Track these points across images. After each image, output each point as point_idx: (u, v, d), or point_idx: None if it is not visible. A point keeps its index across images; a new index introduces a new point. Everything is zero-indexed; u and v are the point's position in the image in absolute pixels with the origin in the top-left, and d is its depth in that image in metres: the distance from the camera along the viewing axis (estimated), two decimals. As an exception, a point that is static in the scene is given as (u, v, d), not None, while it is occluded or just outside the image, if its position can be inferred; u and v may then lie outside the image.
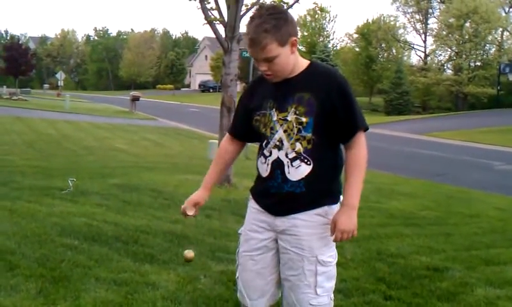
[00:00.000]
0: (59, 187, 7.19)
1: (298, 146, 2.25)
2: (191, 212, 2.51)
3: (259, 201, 2.42)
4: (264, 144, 2.34)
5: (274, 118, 2.28)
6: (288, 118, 2.25)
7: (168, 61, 76.07)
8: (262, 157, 2.35)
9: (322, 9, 9.03)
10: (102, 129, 20.95)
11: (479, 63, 50.57)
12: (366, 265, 4.51)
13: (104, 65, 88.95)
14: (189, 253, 2.78)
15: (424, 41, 57.75)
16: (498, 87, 48.08)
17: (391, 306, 3.62)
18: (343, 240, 2.26)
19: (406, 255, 4.92)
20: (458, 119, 35.84)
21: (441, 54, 54.96)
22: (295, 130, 2.24)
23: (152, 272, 3.98)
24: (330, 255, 2.35)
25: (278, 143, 2.28)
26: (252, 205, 2.47)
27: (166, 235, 5.05)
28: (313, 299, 2.32)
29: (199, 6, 7.29)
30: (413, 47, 59.38)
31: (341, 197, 2.37)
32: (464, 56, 49.49)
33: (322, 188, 2.29)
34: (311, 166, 2.26)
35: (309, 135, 2.24)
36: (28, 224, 5.10)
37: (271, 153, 2.30)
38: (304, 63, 2.32)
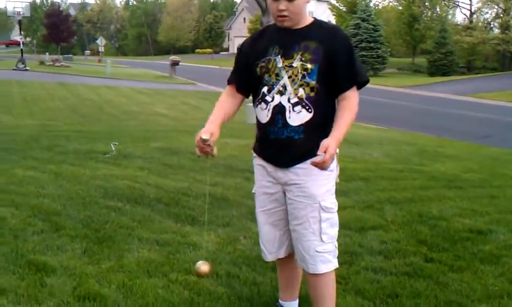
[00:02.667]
0: (102, 150, 7.35)
1: (301, 92, 2.31)
2: (206, 136, 2.34)
3: (260, 153, 2.50)
4: (266, 90, 2.37)
5: (280, 64, 2.34)
6: (294, 64, 2.31)
7: (206, 25, 75.88)
8: (262, 102, 2.39)
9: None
10: (142, 94, 21.20)
11: (527, 20, 48.46)
12: (407, 228, 4.46)
13: (143, 30, 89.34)
14: (203, 266, 2.46)
15: (470, -1, 55.55)
16: (549, 45, 46.03)
17: (432, 269, 3.57)
18: (325, 162, 2.17)
19: (448, 218, 4.83)
20: (505, 79, 34.61)
21: (487, 12, 53.01)
22: (299, 76, 2.31)
23: (193, 233, 4.04)
24: (332, 202, 2.42)
25: (281, 89, 2.33)
26: (256, 162, 2.55)
27: (206, 197, 5.10)
28: (319, 246, 2.41)
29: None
30: (458, 5, 57.43)
31: (337, 149, 2.40)
32: (511, 13, 47.51)
33: (319, 136, 2.29)
34: (311, 114, 2.33)
35: (313, 82, 2.31)
36: (73, 186, 5.24)
37: (273, 98, 2.35)
38: (309, 19, 2.40)
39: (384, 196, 5.56)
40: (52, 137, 8.67)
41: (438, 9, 55.79)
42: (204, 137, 2.32)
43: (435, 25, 51.36)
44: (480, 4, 52.85)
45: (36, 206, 4.47)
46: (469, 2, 56.04)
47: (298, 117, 2.32)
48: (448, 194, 5.87)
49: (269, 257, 2.62)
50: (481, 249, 4.01)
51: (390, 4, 58.15)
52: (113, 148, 7.30)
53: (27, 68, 32.67)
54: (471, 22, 53.34)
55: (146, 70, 40.98)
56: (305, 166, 2.36)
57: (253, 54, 2.43)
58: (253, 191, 2.63)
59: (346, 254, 3.70)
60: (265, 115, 2.38)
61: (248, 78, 2.46)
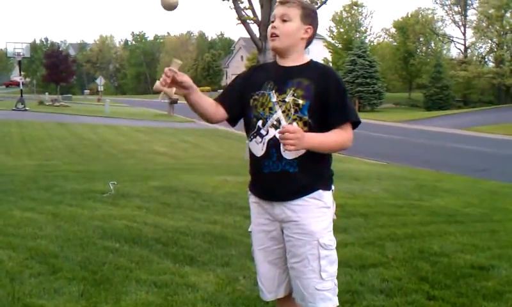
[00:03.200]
0: (100, 190, 7.32)
1: (294, 126, 2.32)
2: (175, 68, 2.35)
3: (255, 190, 2.50)
4: (260, 123, 2.40)
5: (274, 99, 2.38)
6: (287, 99, 2.36)
7: (204, 63, 76.77)
8: (257, 136, 2.41)
9: (357, 4, 8.90)
10: (141, 132, 21.27)
11: (521, 54, 49.08)
12: (408, 265, 4.41)
13: (142, 69, 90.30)
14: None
15: (464, 34, 56.71)
16: (543, 79, 46.52)
17: (434, 306, 3.52)
18: (285, 138, 2.17)
19: (450, 253, 4.78)
20: (501, 112, 34.85)
21: (481, 46, 53.87)
22: (292, 111, 2.34)
23: (192, 274, 3.99)
24: (330, 239, 2.41)
25: (275, 123, 2.36)
26: (252, 200, 2.54)
27: (205, 236, 5.06)
28: (318, 284, 2.38)
29: (232, 5, 7.30)
30: (452, 40, 58.25)
31: (333, 186, 2.46)
32: (505, 47, 48.19)
33: (314, 171, 2.36)
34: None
35: (305, 117, 2.33)
36: (70, 227, 5.20)
37: (267, 131, 2.38)
38: (306, 59, 2.46)
39: (384, 232, 5.52)
40: (50, 178, 8.65)
41: (432, 45, 56.64)
42: (174, 63, 2.39)
43: (430, 60, 52.09)
44: (474, 39, 53.79)
45: (33, 248, 4.42)
46: (463, 37, 56.62)
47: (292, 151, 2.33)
48: (448, 229, 5.83)
49: (268, 296, 2.57)
50: (484, 285, 3.96)
51: (385, 40, 58.97)
52: (111, 188, 7.27)
53: (27, 108, 32.86)
54: (465, 56, 54.07)
55: (145, 109, 41.22)
56: (302, 203, 2.36)
57: (248, 85, 2.49)
58: (249, 230, 2.60)
59: (347, 293, 3.64)
60: (260, 149, 2.39)
61: (237, 102, 2.50)
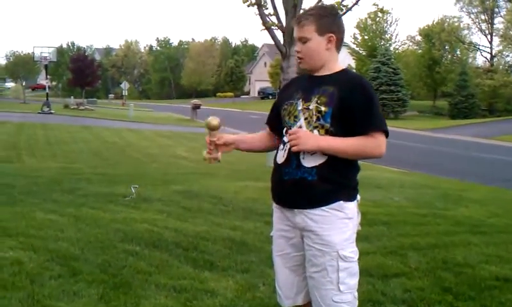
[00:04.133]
0: (122, 193, 7.37)
1: (315, 134, 2.32)
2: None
3: (276, 196, 2.49)
4: (284, 131, 2.44)
5: (299, 107, 2.39)
6: (310, 107, 2.34)
7: (227, 69, 76.94)
8: (281, 144, 2.46)
9: (382, 11, 8.84)
10: (164, 137, 21.41)
11: (549, 63, 48.19)
12: (431, 275, 4.32)
13: (166, 74, 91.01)
14: (214, 121, 2.66)
15: (490, 42, 55.60)
16: None
17: (459, 319, 3.44)
18: (290, 140, 2.28)
19: (474, 264, 4.68)
20: (528, 121, 34.22)
21: (508, 55, 52.82)
22: (314, 118, 2.33)
23: (211, 279, 3.97)
24: (351, 251, 2.36)
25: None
26: (274, 205, 2.54)
27: (225, 242, 5.04)
28: (336, 296, 2.34)
29: (257, 12, 7.30)
30: (478, 48, 57.35)
31: (358, 196, 2.42)
32: (533, 56, 47.31)
33: (334, 181, 2.33)
34: (325, 157, 2.31)
35: (327, 125, 2.32)
36: (92, 230, 5.23)
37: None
38: (338, 67, 2.43)
39: (407, 241, 5.44)
40: (74, 180, 8.74)
41: (458, 53, 55.88)
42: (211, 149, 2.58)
43: (456, 68, 51.36)
44: (501, 47, 52.88)
45: (54, 251, 4.45)
46: (489, 46, 55.79)
47: (312, 158, 2.32)
48: (473, 239, 5.71)
49: (286, 303, 2.54)
50: (509, 298, 3.86)
51: (410, 48, 58.41)
52: (133, 191, 7.31)
53: (52, 111, 33.37)
54: (492, 65, 53.22)
55: (168, 113, 41.51)
56: (322, 213, 2.33)
57: (283, 98, 2.54)
58: (271, 234, 2.60)
59: (369, 303, 3.59)
60: (281, 155, 2.42)
61: (277, 119, 2.56)
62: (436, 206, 7.91)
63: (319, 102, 2.32)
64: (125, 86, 52.23)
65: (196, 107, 34.07)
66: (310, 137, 2.27)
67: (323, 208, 2.33)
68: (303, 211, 2.36)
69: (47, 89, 40.66)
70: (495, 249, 5.33)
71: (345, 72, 2.43)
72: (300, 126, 2.34)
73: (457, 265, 4.66)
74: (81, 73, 58.39)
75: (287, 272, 2.50)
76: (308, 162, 2.32)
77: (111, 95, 70.26)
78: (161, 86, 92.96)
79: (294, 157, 2.34)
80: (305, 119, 2.34)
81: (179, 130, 25.28)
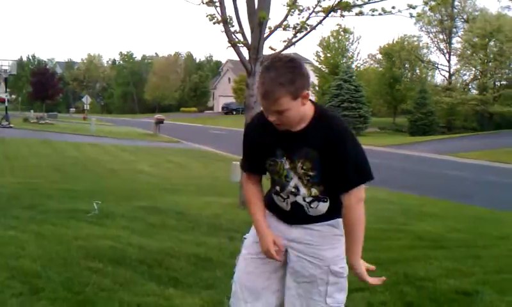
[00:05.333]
0: (84, 209, 7.25)
1: (314, 191, 2.35)
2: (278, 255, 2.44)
3: (274, 214, 2.50)
4: (278, 189, 2.42)
5: (287, 166, 2.35)
6: (298, 171, 2.33)
7: (191, 84, 76.90)
8: (279, 196, 2.44)
9: (345, 30, 9.02)
10: (126, 152, 21.16)
11: (504, 82, 49.98)
12: (393, 289, 4.41)
13: (129, 89, 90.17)
14: None
15: (448, 61, 57.33)
16: (525, 106, 47.33)
17: (420, 332, 3.52)
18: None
19: (435, 278, 4.80)
20: (484, 139, 35.30)
21: (465, 74, 54.62)
22: (305, 182, 2.34)
23: (176, 296, 3.95)
24: (342, 266, 2.41)
25: (293, 190, 2.37)
26: (269, 213, 2.52)
27: (190, 258, 5.03)
28: None
29: (223, 29, 7.35)
30: (437, 67, 59.07)
31: None
32: (489, 75, 49.05)
33: (333, 205, 2.38)
34: (328, 202, 2.37)
35: (319, 182, 2.34)
36: (54, 247, 5.13)
37: (288, 196, 2.40)
38: (310, 112, 2.29)
39: (369, 256, 5.45)
40: (34, 196, 8.55)
41: (417, 71, 57.39)
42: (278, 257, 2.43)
43: (415, 86, 52.70)
44: (458, 66, 54.56)
45: (15, 268, 4.35)
46: (448, 65, 57.50)
47: (317, 210, 2.39)
48: (433, 254, 5.85)
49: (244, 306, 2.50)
50: (468, 311, 3.97)
51: (371, 66, 59.66)
52: (96, 207, 7.21)
53: (11, 125, 32.57)
54: (450, 83, 54.85)
55: (130, 128, 41.07)
56: (320, 228, 2.40)
57: (260, 148, 2.39)
58: (244, 236, 2.58)
59: (333, 317, 3.62)
60: (284, 205, 2.44)
61: (263, 162, 2.44)
62: (397, 221, 8.07)
63: (304, 168, 2.29)
64: (86, 100, 51.54)
65: (159, 122, 33.84)
66: (361, 268, 2.40)
67: (323, 222, 2.39)
68: (302, 225, 2.42)
69: (6, 102, 39.68)
70: (454, 263, 5.48)
71: (318, 119, 2.28)
72: (296, 187, 2.35)
73: (419, 279, 4.77)
74: (42, 87, 57.25)
75: (253, 277, 2.48)
76: (314, 212, 2.39)
77: (72, 109, 69.09)
78: (124, 100, 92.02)
79: (298, 210, 2.39)
80: (299, 178, 2.34)
81: (142, 145, 25.05)
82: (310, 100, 2.29)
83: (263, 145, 2.38)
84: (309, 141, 2.26)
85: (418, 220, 8.32)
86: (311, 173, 2.29)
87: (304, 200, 2.36)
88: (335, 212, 2.38)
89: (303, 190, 2.34)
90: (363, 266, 2.40)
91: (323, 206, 2.37)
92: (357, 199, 2.29)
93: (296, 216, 2.41)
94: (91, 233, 5.87)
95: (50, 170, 13.87)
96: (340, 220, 2.39)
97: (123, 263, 4.71)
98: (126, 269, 4.56)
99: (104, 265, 4.62)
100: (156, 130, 33.36)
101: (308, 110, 2.28)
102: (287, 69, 2.15)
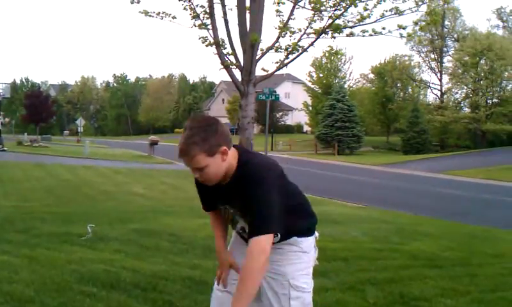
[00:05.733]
0: (78, 233, 7.20)
1: None
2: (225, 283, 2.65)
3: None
4: (230, 226, 2.64)
5: (231, 211, 2.50)
6: (237, 219, 2.50)
7: (185, 105, 77.07)
8: (235, 229, 2.65)
9: (336, 53, 9.10)
10: (120, 174, 21.11)
11: (496, 100, 50.36)
12: (389, 309, 4.39)
13: (123, 111, 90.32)
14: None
15: (440, 80, 57.85)
16: (517, 124, 47.72)
17: (416, 353, 3.50)
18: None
19: (430, 298, 4.78)
20: (477, 156, 35.48)
21: (457, 92, 55.06)
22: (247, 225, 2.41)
23: (171, 320, 3.91)
24: (304, 281, 2.48)
25: (240, 231, 2.55)
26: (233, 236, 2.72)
27: (184, 281, 4.99)
28: None
29: (215, 51, 7.41)
30: (429, 86, 59.57)
31: (316, 233, 2.61)
32: (480, 93, 49.43)
33: (292, 231, 2.50)
34: (278, 236, 2.41)
35: None
36: (47, 271, 5.09)
37: (240, 234, 2.59)
38: (235, 163, 2.36)
39: (364, 276, 5.51)
40: (27, 219, 8.50)
41: (410, 90, 57.83)
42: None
43: (408, 105, 53.07)
44: (450, 85, 54.99)
45: (8, 293, 4.30)
46: (439, 83, 57.98)
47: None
48: (428, 273, 5.84)
49: None
50: (464, 330, 3.96)
51: (364, 85, 60.10)
52: (89, 230, 7.16)
53: (5, 148, 32.49)
54: (442, 101, 55.26)
55: (124, 150, 41.03)
56: (277, 247, 2.45)
57: (209, 194, 2.56)
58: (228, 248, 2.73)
59: (328, 339, 3.61)
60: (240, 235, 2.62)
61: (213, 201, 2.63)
62: (392, 240, 8.06)
63: (238, 214, 2.47)
64: (80, 122, 51.55)
65: (153, 143, 33.86)
66: None
67: (280, 242, 2.47)
68: None
69: (0, 125, 39.63)
70: (450, 282, 5.47)
71: (240, 173, 2.34)
72: (242, 228, 2.51)
73: (414, 299, 4.75)
74: (35, 110, 57.20)
75: (226, 295, 2.64)
76: None
77: (66, 132, 69.06)
78: (118, 122, 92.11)
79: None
80: (244, 221, 2.45)
81: (136, 167, 25.00)
82: (239, 149, 2.37)
83: (207, 196, 2.59)
84: (236, 191, 2.35)
85: (412, 240, 8.31)
86: (243, 218, 2.44)
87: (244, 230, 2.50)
88: (289, 235, 2.47)
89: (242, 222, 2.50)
90: None
91: (275, 240, 2.35)
92: (259, 249, 2.20)
93: None
94: (84, 256, 5.83)
95: (44, 193, 13.82)
96: (298, 239, 2.49)
97: (117, 287, 4.67)
98: (120, 293, 4.52)
99: (97, 289, 4.59)
100: (150, 151, 33.36)
101: (233, 162, 2.35)
102: (201, 128, 2.25)
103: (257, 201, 2.25)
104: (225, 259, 2.63)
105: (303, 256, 2.48)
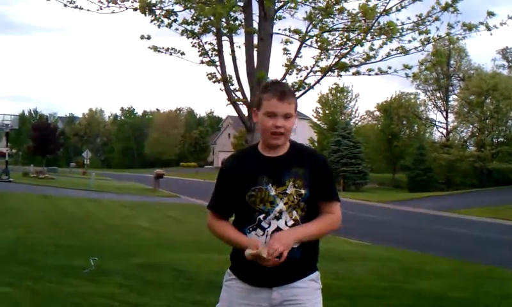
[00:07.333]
0: (81, 266, 7.18)
1: (295, 214, 2.42)
2: (264, 253, 2.29)
3: (248, 277, 2.41)
4: (262, 217, 2.41)
5: (273, 193, 2.40)
6: (288, 191, 2.40)
7: (191, 139, 77.36)
8: (258, 229, 2.41)
9: (342, 90, 9.18)
10: (125, 207, 21.10)
11: (502, 139, 50.36)
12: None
13: (130, 144, 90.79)
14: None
15: (446, 118, 57.99)
16: (523, 163, 47.57)
17: None
18: (273, 251, 2.27)
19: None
20: (484, 195, 35.26)
21: (463, 131, 55.11)
22: (295, 201, 2.40)
23: (172, 357, 3.87)
24: None
25: (277, 214, 2.40)
26: (237, 285, 2.46)
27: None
28: None
29: (223, 87, 7.47)
30: (435, 124, 59.66)
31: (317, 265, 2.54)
32: (486, 132, 49.46)
33: (313, 252, 2.48)
34: None
35: (303, 204, 2.43)
36: (48, 304, 5.06)
37: (270, 224, 2.40)
38: (287, 144, 2.51)
39: (369, 315, 5.44)
40: (31, 251, 8.48)
41: (415, 128, 57.95)
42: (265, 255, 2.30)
43: (413, 143, 53.12)
44: (456, 123, 55.07)
45: (8, 326, 4.28)
46: (445, 121, 58.10)
47: None
48: (434, 313, 5.76)
49: None
50: None
51: (369, 122, 60.31)
52: (92, 263, 7.14)
53: (11, 179, 32.59)
54: (448, 140, 55.26)
55: (130, 183, 41.08)
56: (302, 285, 2.42)
57: (240, 181, 2.44)
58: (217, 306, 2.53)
59: None
60: (262, 241, 2.38)
61: (232, 204, 2.50)
62: (398, 278, 7.97)
63: (296, 185, 2.41)
64: (86, 154, 51.70)
65: (158, 177, 33.90)
66: (287, 237, 2.33)
67: (304, 279, 2.42)
68: (282, 286, 2.40)
69: (7, 156, 39.84)
70: (455, 323, 5.38)
71: (297, 146, 2.53)
72: (280, 211, 2.39)
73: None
74: (42, 141, 57.56)
75: None
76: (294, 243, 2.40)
77: (72, 164, 69.29)
78: (124, 155, 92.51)
79: None
80: (285, 203, 2.39)
81: (141, 200, 24.99)
82: None
83: (244, 176, 2.44)
84: (297, 161, 2.44)
85: (418, 278, 8.21)
86: (303, 191, 2.40)
87: (286, 224, 2.39)
88: (312, 258, 2.46)
89: (285, 214, 2.39)
90: (287, 239, 2.31)
91: None
92: (338, 216, 2.52)
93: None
94: (86, 290, 5.80)
95: (48, 225, 13.80)
96: (318, 273, 2.48)
97: (119, 322, 4.63)
98: (122, 328, 4.48)
99: (99, 323, 4.55)
100: (156, 185, 33.37)
101: None
102: (291, 88, 2.63)
103: (332, 176, 2.58)
104: (249, 240, 2.37)
105: (320, 293, 2.49)
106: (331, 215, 2.49)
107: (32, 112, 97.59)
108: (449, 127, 57.18)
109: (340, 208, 2.54)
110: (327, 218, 2.48)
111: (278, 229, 2.38)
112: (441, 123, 59.05)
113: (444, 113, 58.23)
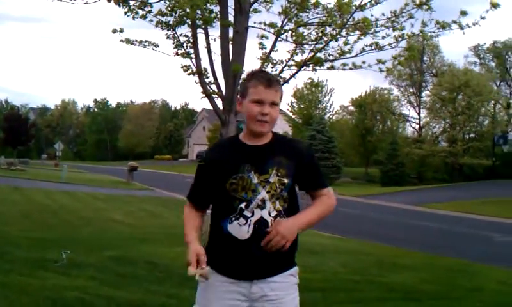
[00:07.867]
0: (53, 259, 7.09)
1: (278, 205, 2.40)
2: (194, 271, 2.29)
3: (231, 270, 2.41)
4: (243, 205, 2.38)
5: (255, 181, 2.38)
6: (271, 180, 2.39)
7: (166, 132, 76.83)
8: (241, 218, 2.37)
9: (317, 85, 9.23)
10: (98, 200, 20.87)
11: (473, 135, 51.28)
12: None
13: (103, 136, 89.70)
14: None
15: (418, 114, 58.78)
16: (493, 159, 48.64)
17: None
18: (275, 243, 2.31)
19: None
20: (454, 190, 35.89)
21: (435, 126, 55.86)
22: (278, 190, 2.40)
23: (145, 350, 3.85)
24: None
25: (260, 203, 2.37)
26: (216, 279, 2.41)
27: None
28: None
29: (198, 80, 7.45)
30: (408, 119, 60.38)
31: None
32: (458, 128, 50.27)
33: (295, 245, 2.46)
34: None
35: (286, 194, 2.42)
36: (19, 298, 4.98)
37: (253, 213, 2.37)
38: (269, 134, 2.51)
39: (341, 308, 5.50)
40: (1, 244, 8.32)
41: (389, 123, 58.61)
42: (197, 272, 2.29)
43: (386, 138, 53.72)
44: (428, 119, 55.85)
45: (-23, 320, 4.20)
46: (418, 117, 58.90)
47: None
48: (406, 306, 5.86)
49: None
50: None
51: (344, 117, 60.75)
52: (64, 256, 7.05)
53: (-20, 171, 31.94)
54: (420, 135, 56.02)
55: (103, 175, 40.62)
56: (281, 280, 2.42)
57: (221, 170, 2.42)
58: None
59: None
60: (245, 231, 2.35)
61: (211, 196, 2.48)
62: (370, 272, 8.07)
63: (279, 174, 2.40)
64: (59, 146, 50.90)
65: (132, 169, 33.59)
66: (290, 226, 2.35)
67: (283, 274, 2.43)
68: (262, 280, 2.39)
69: (-24, 148, 39.01)
70: (425, 315, 5.48)
71: (279, 137, 2.54)
72: (263, 200, 2.36)
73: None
74: (14, 133, 56.57)
75: None
76: None
77: (44, 155, 68.18)
78: (97, 147, 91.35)
79: (262, 231, 2.34)
80: (267, 192, 2.37)
81: (115, 193, 24.73)
82: None
83: (225, 164, 2.42)
84: (280, 150, 2.45)
85: (391, 272, 8.33)
86: (286, 180, 2.40)
87: (270, 214, 2.37)
88: (294, 251, 2.47)
89: (269, 204, 2.37)
90: (292, 230, 2.36)
91: None
92: (333, 196, 2.59)
93: (256, 246, 2.33)
94: (58, 283, 5.73)
95: (20, 217, 13.57)
96: (297, 268, 2.51)
97: (91, 316, 4.60)
98: (94, 322, 4.45)
99: (71, 317, 4.51)
100: (129, 177, 33.06)
101: None
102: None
103: (318, 163, 2.62)
104: (194, 250, 2.37)
105: (297, 288, 2.50)
106: (326, 198, 2.53)
107: (3, 102, 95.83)
108: (422, 123, 57.97)
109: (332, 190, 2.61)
110: (324, 202, 2.52)
111: (262, 219, 2.35)
112: (414, 118, 59.85)
113: (417, 109, 59.03)
